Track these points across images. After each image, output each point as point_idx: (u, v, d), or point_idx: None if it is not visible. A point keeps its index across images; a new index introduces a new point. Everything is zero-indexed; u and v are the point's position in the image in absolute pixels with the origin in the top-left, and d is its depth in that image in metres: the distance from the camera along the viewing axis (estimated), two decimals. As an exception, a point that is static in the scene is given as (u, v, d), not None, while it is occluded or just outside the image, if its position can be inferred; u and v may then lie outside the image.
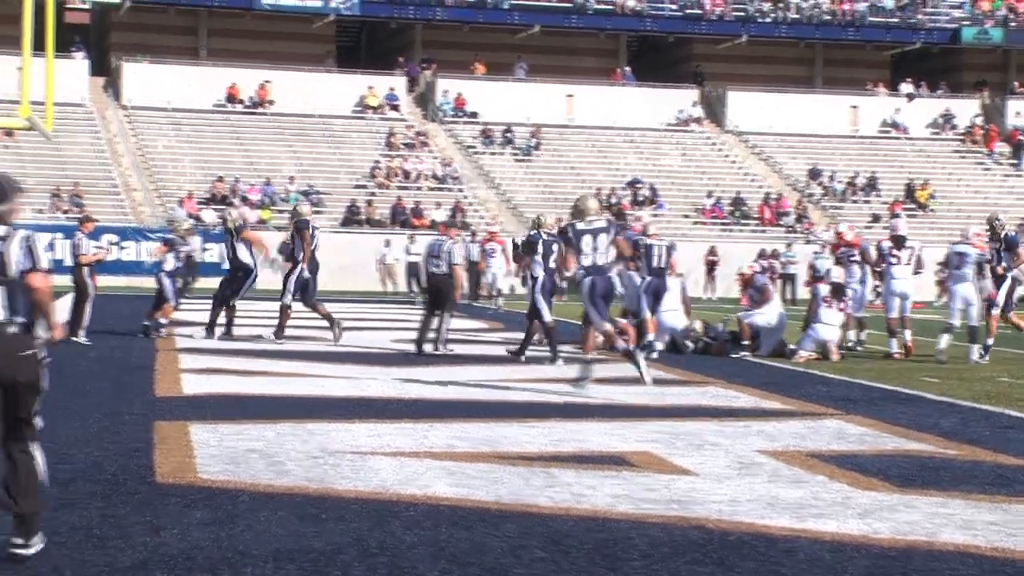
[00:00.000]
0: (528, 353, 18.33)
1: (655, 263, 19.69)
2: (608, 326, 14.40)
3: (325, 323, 20.82)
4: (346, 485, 8.70)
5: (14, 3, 49.45)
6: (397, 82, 57.70)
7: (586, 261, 14.14)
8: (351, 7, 57.71)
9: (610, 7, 60.98)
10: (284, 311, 20.51)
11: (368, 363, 17.32)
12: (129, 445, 10.05)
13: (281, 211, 46.59)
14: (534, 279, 18.14)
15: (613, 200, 50.80)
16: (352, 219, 47.13)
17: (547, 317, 17.84)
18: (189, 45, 58.82)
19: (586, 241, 14.13)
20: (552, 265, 17.75)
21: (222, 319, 21.03)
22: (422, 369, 16.72)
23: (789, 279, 42.87)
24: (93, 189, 46.06)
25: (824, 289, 19.86)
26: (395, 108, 56.68)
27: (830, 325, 19.45)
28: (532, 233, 18.86)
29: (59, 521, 7.38)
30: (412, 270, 41.61)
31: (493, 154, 54.95)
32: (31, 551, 6.61)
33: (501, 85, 58.46)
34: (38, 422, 6.89)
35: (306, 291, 20.72)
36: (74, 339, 19.02)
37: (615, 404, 13.45)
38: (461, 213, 47.28)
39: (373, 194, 49.51)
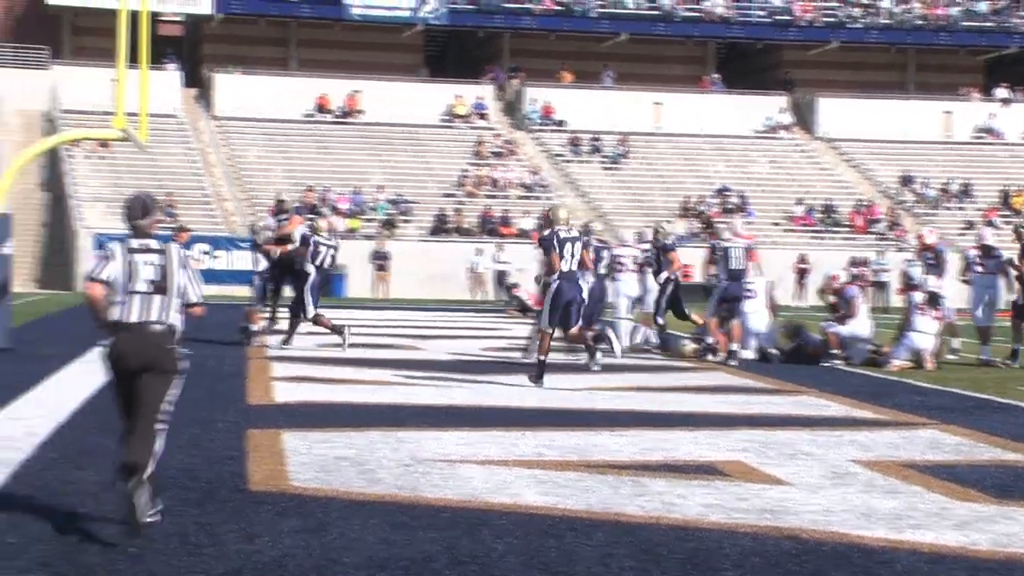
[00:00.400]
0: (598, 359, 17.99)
1: (733, 265, 19.57)
2: (549, 329, 15.85)
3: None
4: (436, 493, 8.71)
5: (109, 17, 50.35)
6: (485, 91, 57.86)
7: (564, 267, 15.59)
8: (439, 17, 57.97)
9: (698, 14, 60.74)
10: (318, 322, 20.47)
11: (458, 371, 17.35)
12: (222, 453, 10.15)
13: (370, 220, 46.88)
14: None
15: (702, 208, 50.56)
16: (441, 228, 47.30)
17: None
18: (279, 56, 59.41)
19: (567, 248, 15.59)
20: (603, 271, 18.57)
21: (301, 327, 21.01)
22: (511, 377, 16.70)
23: (880, 287, 42.41)
24: (185, 199, 46.61)
25: (919, 297, 19.58)
26: (483, 117, 56.83)
27: (925, 333, 19.18)
28: (547, 233, 18.90)
29: (155, 527, 7.46)
30: (501, 278, 41.73)
31: (581, 162, 54.91)
32: (154, 519, 7.51)
33: (588, 93, 58.41)
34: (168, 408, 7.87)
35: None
36: None
37: (705, 413, 13.37)
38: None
39: (461, 203, 49.66)
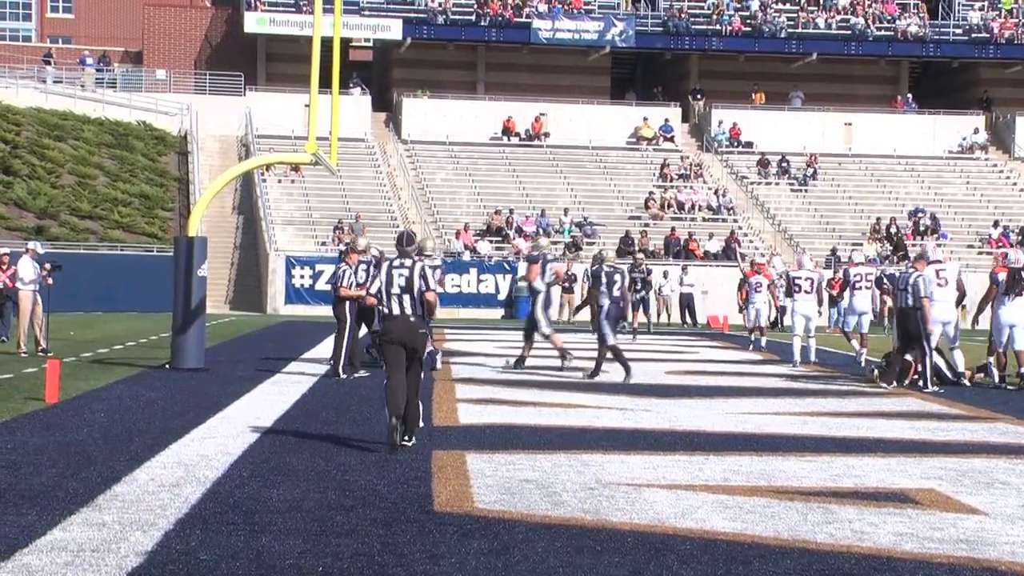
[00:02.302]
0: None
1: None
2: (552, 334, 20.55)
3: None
4: (621, 517, 8.67)
5: (302, 44, 51.49)
6: (671, 113, 57.67)
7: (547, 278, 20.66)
8: (627, 39, 57.97)
9: (890, 33, 59.67)
10: (550, 339, 21.33)
11: (643, 394, 17.27)
12: (408, 474, 10.25)
13: (556, 242, 47.05)
14: (600, 307, 19.75)
15: (893, 230, 49.59)
16: (626, 250, 47.19)
17: (610, 340, 19.54)
18: (467, 80, 60.06)
19: (548, 267, 20.43)
20: (616, 294, 19.72)
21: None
22: (696, 401, 16.58)
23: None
24: (374, 222, 47.36)
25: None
26: (669, 139, 56.65)
27: None
28: (595, 268, 20.27)
29: (342, 547, 7.57)
30: (686, 301, 41.44)
31: (768, 184, 54.35)
32: (410, 444, 11.64)
33: (776, 114, 57.82)
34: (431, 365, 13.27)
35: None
36: (341, 375, 18.51)
37: (896, 439, 13.08)
38: (736, 244, 46.85)
39: (647, 225, 49.53)
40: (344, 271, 18.89)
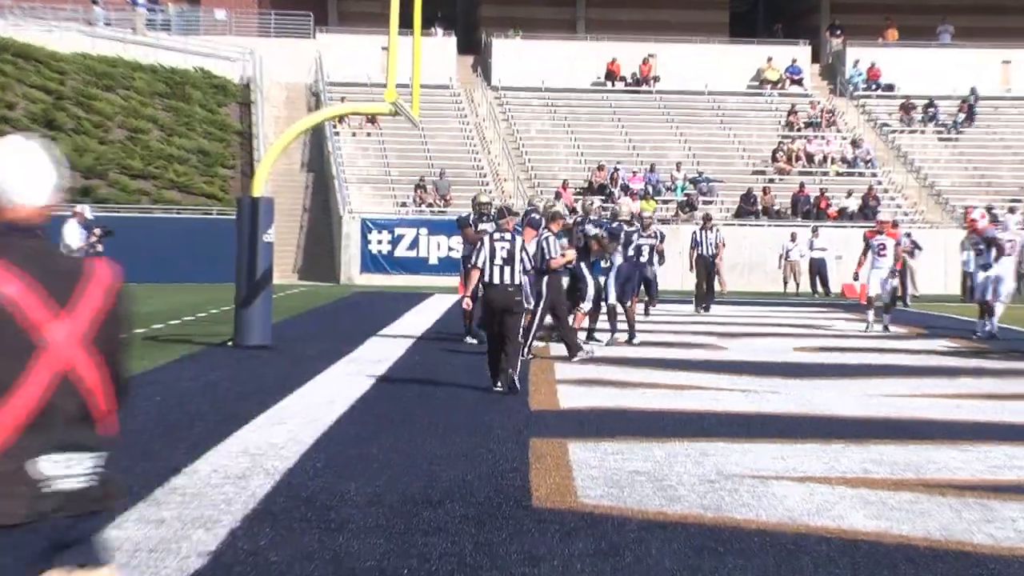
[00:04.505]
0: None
1: None
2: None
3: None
4: (746, 514, 8.62)
5: (377, -23, 51.59)
6: (800, 53, 57.14)
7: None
8: (746, -32, 57.61)
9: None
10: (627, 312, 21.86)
11: (769, 374, 17.17)
12: (503, 464, 10.26)
13: (667, 201, 46.90)
14: (611, 265, 21.27)
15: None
16: (747, 210, 46.96)
17: (611, 299, 21.28)
18: (565, 17, 59.90)
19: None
20: (631, 254, 22.15)
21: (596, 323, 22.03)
22: (830, 381, 16.45)
23: None
24: (461, 179, 47.50)
25: None
26: (798, 82, 56.15)
27: None
28: (614, 224, 22.07)
29: (430, 547, 7.59)
30: (817, 267, 41.15)
31: (912, 132, 53.72)
32: (515, 376, 14.62)
33: (922, 52, 57.04)
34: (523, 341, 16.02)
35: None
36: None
37: (1065, 426, 12.90)
38: (874, 201, 46.38)
39: (772, 181, 49.19)
40: (548, 238, 18.57)
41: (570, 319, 19.83)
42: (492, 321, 14.86)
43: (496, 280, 14.71)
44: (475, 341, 20.08)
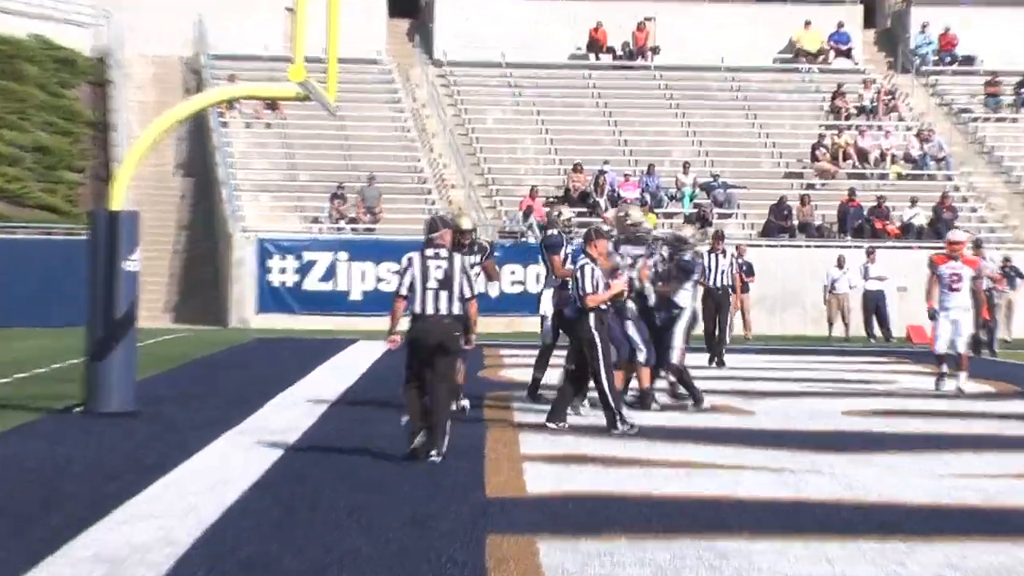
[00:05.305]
0: None
1: None
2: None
3: None
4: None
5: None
6: (848, 14, 57.38)
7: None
8: (775, -100, 57.92)
9: None
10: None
11: (807, 447, 17.21)
12: (450, 570, 10.25)
13: (671, 215, 46.92)
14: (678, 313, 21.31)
15: None
16: (779, 226, 47.03)
17: (676, 356, 21.43)
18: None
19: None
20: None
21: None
22: (887, 458, 16.51)
23: None
24: (393, 187, 47.35)
25: None
26: (845, 54, 56.39)
27: None
28: (685, 254, 21.73)
29: None
30: (873, 302, 41.13)
31: (1000, 120, 54.04)
32: (438, 459, 15.18)
33: (1014, 14, 57.36)
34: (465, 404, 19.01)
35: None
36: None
37: None
38: (949, 213, 46.57)
39: (811, 187, 49.33)
40: (586, 268, 18.39)
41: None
42: (418, 363, 15.52)
43: (429, 310, 15.42)
44: (465, 404, 20.06)
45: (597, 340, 18.10)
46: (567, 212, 22.83)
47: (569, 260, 20.73)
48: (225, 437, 17.48)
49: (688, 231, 23.21)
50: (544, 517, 12.42)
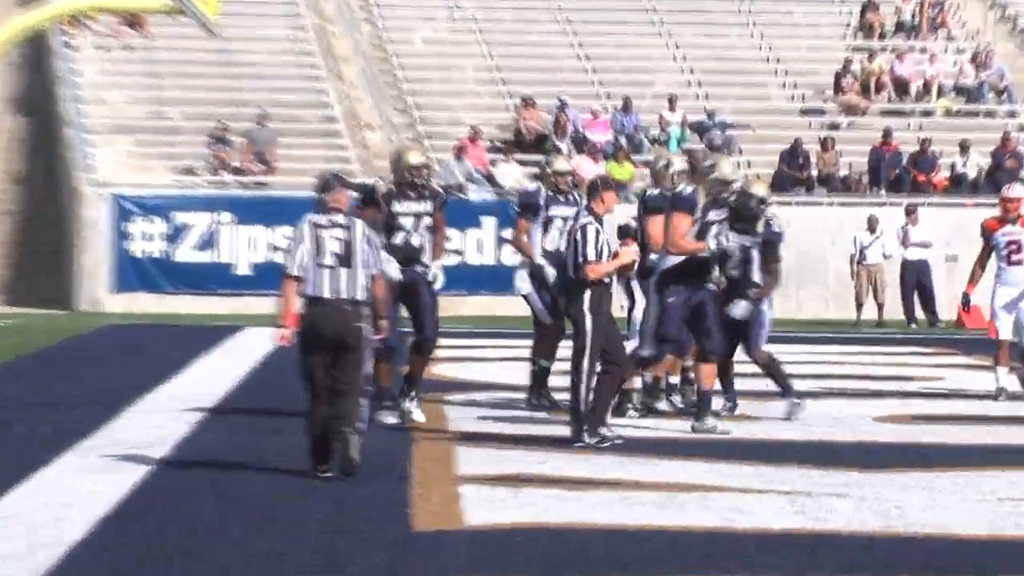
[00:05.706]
0: None
1: None
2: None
3: None
4: None
5: None
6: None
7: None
8: None
9: None
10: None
11: (829, 463, 17.29)
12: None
13: (649, 162, 46.95)
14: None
15: None
16: (793, 177, 47.14)
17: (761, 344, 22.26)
18: None
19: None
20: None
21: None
22: (930, 477, 16.56)
23: None
24: (293, 128, 47.38)
25: None
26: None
27: None
28: (773, 226, 21.79)
29: None
30: (915, 276, 41.10)
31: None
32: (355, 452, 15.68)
33: None
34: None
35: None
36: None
37: None
38: (1012, 161, 46.72)
39: (835, 126, 49.51)
40: (589, 228, 18.44)
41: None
42: (316, 362, 15.70)
43: (325, 293, 15.62)
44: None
45: (588, 325, 18.13)
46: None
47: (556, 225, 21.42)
48: (70, 454, 17.45)
49: (760, 189, 22.10)
50: (486, 556, 12.42)
